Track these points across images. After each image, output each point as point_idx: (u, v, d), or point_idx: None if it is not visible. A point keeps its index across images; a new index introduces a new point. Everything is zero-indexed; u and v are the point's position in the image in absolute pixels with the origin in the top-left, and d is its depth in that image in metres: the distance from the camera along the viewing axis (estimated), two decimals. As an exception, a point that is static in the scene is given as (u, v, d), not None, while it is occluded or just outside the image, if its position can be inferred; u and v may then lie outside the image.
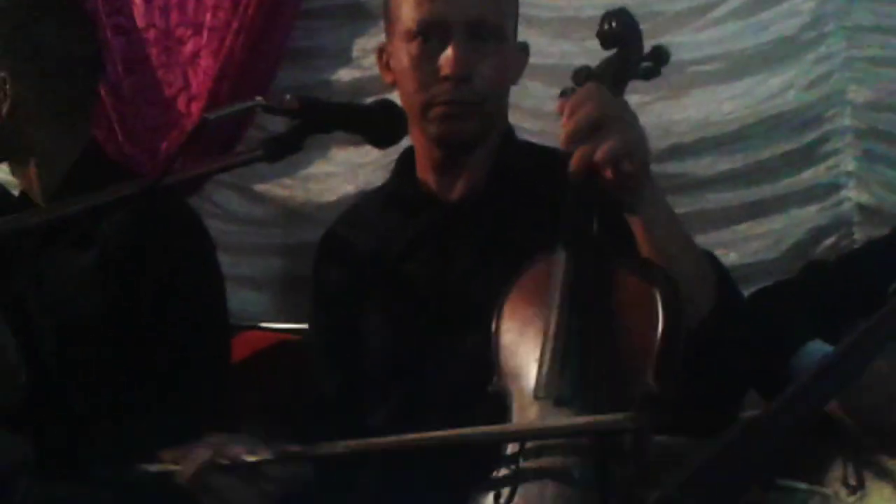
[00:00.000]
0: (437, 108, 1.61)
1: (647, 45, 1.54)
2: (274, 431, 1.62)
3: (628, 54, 1.55)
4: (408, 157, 1.75)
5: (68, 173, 1.82)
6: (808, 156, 2.14)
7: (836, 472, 1.54)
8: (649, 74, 1.57)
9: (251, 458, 1.50)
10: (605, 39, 1.53)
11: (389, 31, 1.66)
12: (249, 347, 2.12)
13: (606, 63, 1.52)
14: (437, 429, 1.44)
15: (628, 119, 1.41)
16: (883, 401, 1.44)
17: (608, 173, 1.39)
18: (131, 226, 1.73)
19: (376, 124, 1.48)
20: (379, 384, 1.65)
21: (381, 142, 1.50)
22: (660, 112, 2.09)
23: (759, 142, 2.15)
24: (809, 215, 2.14)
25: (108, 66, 2.21)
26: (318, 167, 2.37)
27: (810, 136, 2.14)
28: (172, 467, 1.53)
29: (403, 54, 1.61)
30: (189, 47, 2.31)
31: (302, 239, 2.31)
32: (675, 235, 1.48)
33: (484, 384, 1.45)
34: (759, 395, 1.63)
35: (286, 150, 1.43)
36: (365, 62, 2.30)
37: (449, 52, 1.57)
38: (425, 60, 1.60)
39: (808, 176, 2.15)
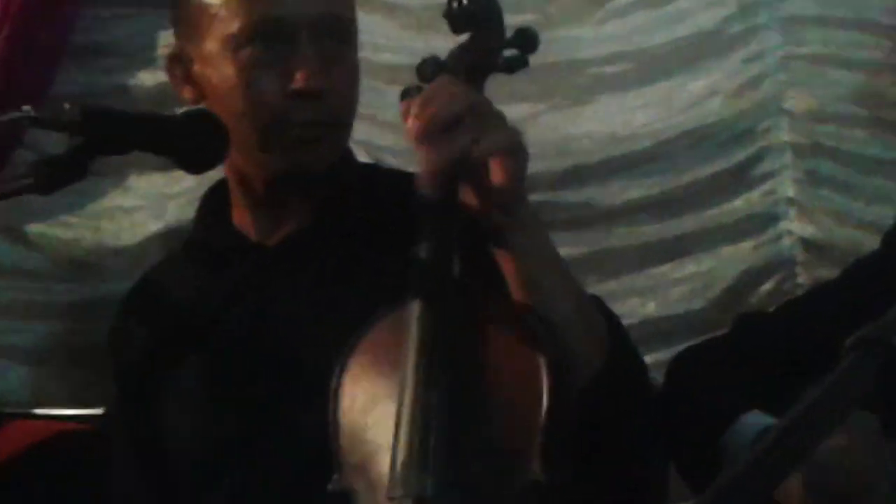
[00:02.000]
0: (290, 133, 1.44)
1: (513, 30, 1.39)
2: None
3: (485, 39, 1.38)
4: (216, 196, 1.57)
5: None
6: (738, 179, 2.02)
7: None
8: (514, 65, 1.38)
9: None
10: (455, 21, 1.36)
11: (196, 34, 1.47)
12: (19, 441, 1.88)
13: (459, 51, 1.37)
14: None
15: (499, 119, 1.25)
16: (852, 485, 1.29)
17: (473, 187, 1.23)
18: None
19: (189, 141, 1.30)
20: (193, 480, 1.48)
21: (196, 165, 1.31)
22: (554, 125, 1.97)
23: (678, 162, 2.02)
24: (742, 253, 2.01)
25: None
26: (111, 200, 2.17)
27: (741, 154, 2.02)
28: None
29: (227, 65, 1.45)
30: None
31: (91, 296, 2.11)
32: (555, 275, 1.32)
33: (325, 479, 1.29)
34: (685, 482, 1.49)
35: (66, 177, 1.24)
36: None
37: (298, 59, 1.43)
38: (262, 72, 1.44)
39: (740, 204, 2.02)
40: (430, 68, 1.35)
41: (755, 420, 1.40)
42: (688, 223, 2.02)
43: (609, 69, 2.04)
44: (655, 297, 2.00)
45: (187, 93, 1.51)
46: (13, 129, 1.94)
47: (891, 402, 1.05)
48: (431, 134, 1.22)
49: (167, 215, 2.12)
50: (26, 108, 1.24)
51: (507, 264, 1.30)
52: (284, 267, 1.49)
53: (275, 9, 1.44)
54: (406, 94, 1.31)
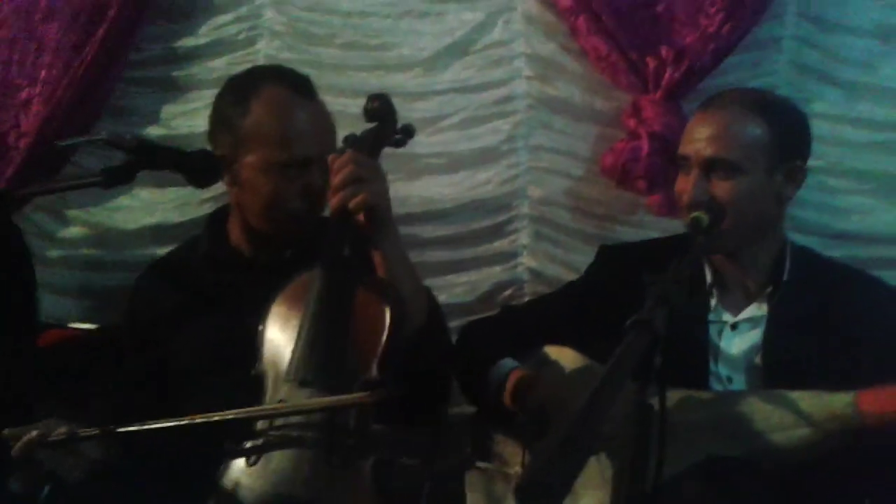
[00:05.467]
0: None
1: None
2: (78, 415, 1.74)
3: (385, 127, 1.84)
4: (217, 219, 1.99)
5: None
6: (498, 231, 2.58)
7: (517, 456, 1.84)
8: (400, 144, 1.88)
9: (68, 434, 1.65)
10: (369, 114, 1.82)
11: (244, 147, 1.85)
12: (57, 337, 2.38)
13: (367, 132, 1.83)
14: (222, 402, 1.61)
15: (379, 177, 1.73)
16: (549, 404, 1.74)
17: (361, 216, 1.71)
18: None
19: (197, 168, 1.69)
20: (188, 384, 1.84)
21: (200, 182, 1.71)
22: (398, 189, 2.23)
23: (467, 217, 2.58)
24: (496, 273, 2.58)
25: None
26: (122, 201, 2.62)
27: (501, 217, 2.59)
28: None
29: (266, 176, 1.83)
30: (24, 94, 2.55)
31: (104, 258, 2.60)
32: (405, 268, 1.77)
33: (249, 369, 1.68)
34: (465, 398, 1.98)
35: (121, 179, 1.60)
36: (172, 123, 2.61)
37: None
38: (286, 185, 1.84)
39: (497, 245, 2.59)
40: (350, 139, 1.81)
41: (508, 363, 1.88)
42: (467, 253, 2.59)
43: (433, 161, 2.57)
44: (447, 293, 2.52)
45: (226, 181, 1.87)
46: (90, 145, 2.35)
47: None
48: (339, 189, 1.72)
49: (156, 215, 2.61)
50: (103, 133, 1.65)
51: (377, 256, 1.75)
52: (268, 276, 1.83)
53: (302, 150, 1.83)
54: (335, 152, 1.76)
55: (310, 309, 1.66)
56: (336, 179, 1.70)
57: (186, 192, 2.46)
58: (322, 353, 1.61)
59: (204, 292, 1.89)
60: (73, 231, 2.64)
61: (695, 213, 1.79)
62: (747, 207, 1.86)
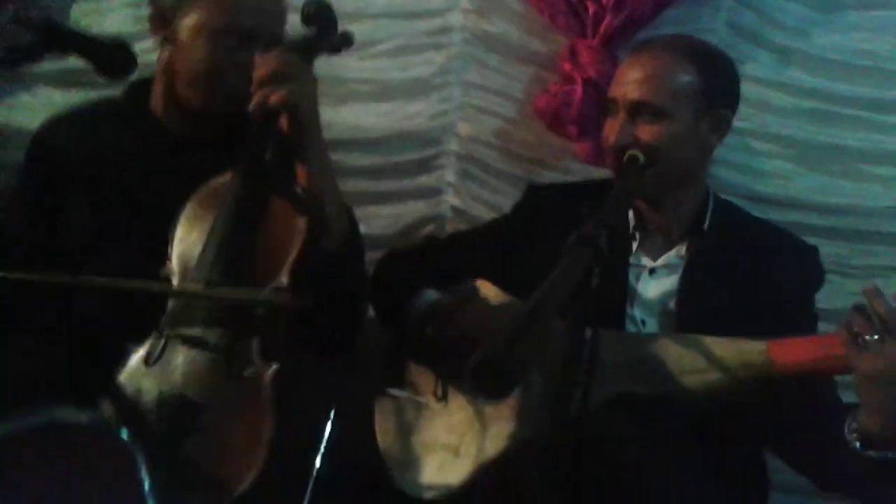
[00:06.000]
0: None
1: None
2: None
3: (322, 32, 1.82)
4: (142, 88, 1.93)
5: None
6: (424, 166, 2.57)
7: (430, 386, 1.89)
8: (334, 50, 1.86)
9: None
10: (306, 18, 1.81)
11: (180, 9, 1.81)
12: None
13: (303, 36, 1.82)
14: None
15: (307, 78, 1.70)
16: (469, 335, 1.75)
17: (284, 119, 1.67)
18: None
19: (111, 58, 1.61)
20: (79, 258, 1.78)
21: (111, 74, 1.63)
22: (325, 113, 2.02)
23: (393, 149, 2.56)
24: (419, 208, 2.58)
25: None
26: (21, 98, 2.49)
27: (428, 152, 2.57)
28: None
29: (204, 40, 1.79)
30: None
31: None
32: (328, 181, 1.76)
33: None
34: (383, 326, 1.99)
35: (24, 58, 1.54)
36: (83, 22, 2.45)
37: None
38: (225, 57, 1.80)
39: (423, 180, 2.58)
40: (283, 42, 1.79)
41: (430, 294, 1.91)
42: (392, 185, 2.56)
43: (361, 87, 2.53)
44: (368, 224, 2.43)
45: (158, 36, 1.83)
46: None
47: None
48: (261, 85, 1.67)
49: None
50: (10, 6, 1.48)
51: (298, 164, 1.72)
52: (185, 151, 1.86)
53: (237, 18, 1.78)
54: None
55: (223, 211, 1.65)
56: (259, 73, 1.66)
57: (93, 96, 2.25)
58: (231, 256, 1.62)
59: (116, 161, 1.84)
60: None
61: (631, 151, 1.83)
62: (672, 152, 1.87)
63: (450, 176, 2.60)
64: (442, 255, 2.08)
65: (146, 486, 1.36)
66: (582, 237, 1.33)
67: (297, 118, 1.68)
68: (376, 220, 2.55)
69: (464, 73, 2.57)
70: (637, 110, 1.88)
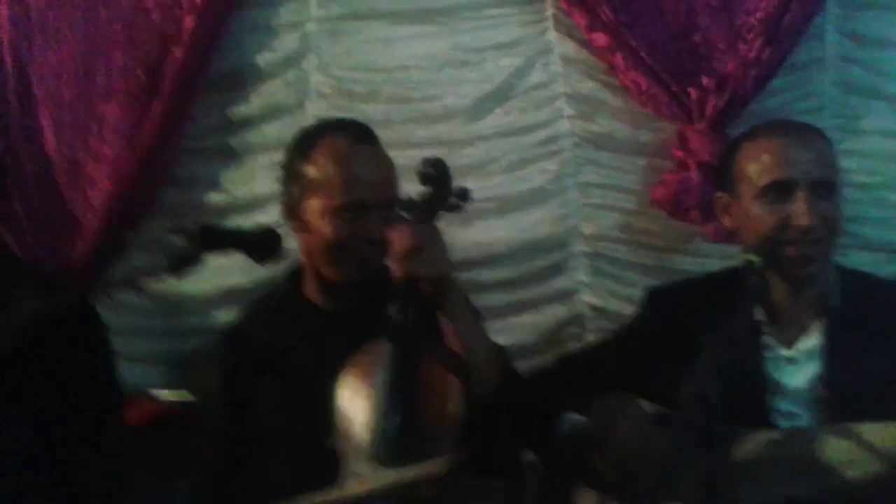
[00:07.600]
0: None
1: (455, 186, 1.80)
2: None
3: (440, 192, 1.81)
4: (294, 274, 2.04)
5: None
6: (555, 270, 2.60)
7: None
8: (455, 208, 1.83)
9: None
10: (423, 179, 1.80)
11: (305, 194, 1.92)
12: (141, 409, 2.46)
13: (423, 197, 1.81)
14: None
15: (438, 243, 1.75)
16: (624, 456, 1.74)
17: (423, 284, 1.72)
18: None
19: (261, 246, 1.74)
20: (270, 449, 1.87)
21: (261, 259, 1.75)
22: (452, 235, 2.00)
23: (522, 258, 2.59)
24: (557, 311, 2.60)
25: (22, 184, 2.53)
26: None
27: (557, 256, 2.61)
28: None
29: (328, 219, 1.88)
30: (89, 170, 2.62)
31: (178, 325, 2.65)
32: (473, 332, 1.78)
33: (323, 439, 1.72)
34: (532, 452, 1.95)
35: (189, 265, 1.67)
36: (232, 189, 2.67)
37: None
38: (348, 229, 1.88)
39: (556, 284, 2.60)
40: (406, 204, 1.80)
41: (572, 419, 1.86)
42: (525, 294, 2.61)
43: (485, 205, 2.57)
44: (512, 335, 2.51)
45: (294, 227, 1.94)
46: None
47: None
48: (401, 260, 1.72)
49: (224, 280, 2.62)
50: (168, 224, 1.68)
51: (444, 323, 1.75)
52: (339, 326, 1.92)
53: (360, 196, 1.88)
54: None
55: (380, 385, 1.70)
56: (397, 248, 1.73)
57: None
58: (399, 428, 1.66)
59: (280, 350, 1.94)
60: (147, 301, 2.71)
61: (749, 256, 1.80)
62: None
63: (582, 276, 2.62)
64: (575, 375, 2.06)
65: None
66: (695, 393, 1.35)
67: (436, 281, 1.73)
68: (516, 330, 2.58)
69: (578, 175, 2.62)
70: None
